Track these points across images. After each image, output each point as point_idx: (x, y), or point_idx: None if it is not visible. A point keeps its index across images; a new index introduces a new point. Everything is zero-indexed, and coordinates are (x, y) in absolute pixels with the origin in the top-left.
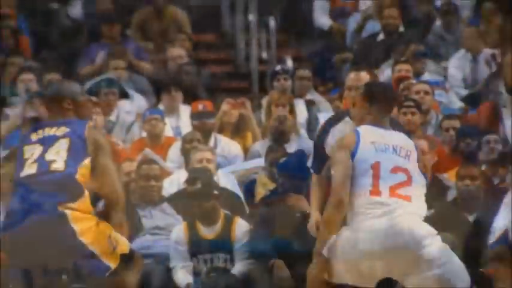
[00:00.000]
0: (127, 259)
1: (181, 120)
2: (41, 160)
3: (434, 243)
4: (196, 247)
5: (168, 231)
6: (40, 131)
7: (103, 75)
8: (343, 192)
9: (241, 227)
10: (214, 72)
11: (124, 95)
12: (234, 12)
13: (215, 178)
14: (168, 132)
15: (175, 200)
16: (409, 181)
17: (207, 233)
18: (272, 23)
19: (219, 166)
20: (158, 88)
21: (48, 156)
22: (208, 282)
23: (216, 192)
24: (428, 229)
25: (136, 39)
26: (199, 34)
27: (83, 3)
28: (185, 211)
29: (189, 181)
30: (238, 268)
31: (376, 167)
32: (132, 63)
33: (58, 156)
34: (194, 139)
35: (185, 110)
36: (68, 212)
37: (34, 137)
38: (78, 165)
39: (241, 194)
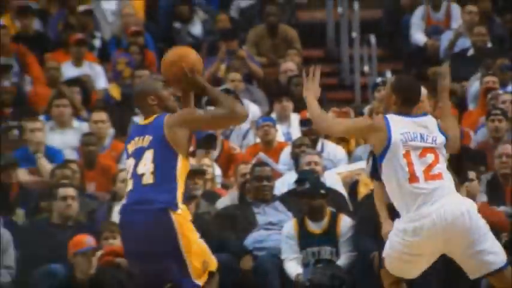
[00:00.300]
0: (210, 275)
1: (291, 126)
2: (134, 175)
3: (478, 215)
4: (305, 241)
5: (280, 227)
6: (133, 141)
7: (221, 86)
8: (334, 130)
9: (345, 222)
10: (321, 84)
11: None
12: (339, 29)
13: (322, 179)
14: (280, 137)
15: (286, 198)
16: (436, 159)
17: (315, 228)
18: (373, 39)
19: (325, 168)
20: (271, 98)
21: (139, 170)
22: (316, 272)
23: (323, 191)
24: (471, 202)
25: (251, 54)
26: (308, 49)
27: (202, 22)
28: (295, 208)
29: (299, 182)
30: (342, 260)
31: (407, 156)
32: (248, 66)
33: (146, 169)
34: (303, 144)
35: (295, 118)
36: (175, 221)
37: (130, 148)
38: (168, 178)
39: (345, 193)
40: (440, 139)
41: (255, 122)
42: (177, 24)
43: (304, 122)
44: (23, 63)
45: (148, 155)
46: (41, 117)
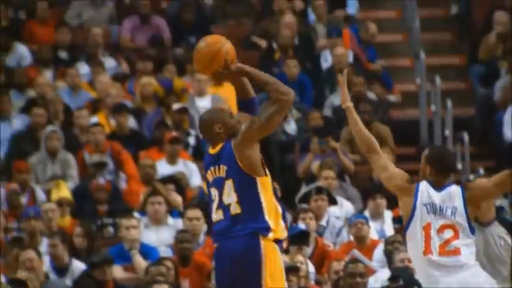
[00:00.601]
0: None
1: (385, 223)
2: (221, 205)
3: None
4: None
5: None
6: (210, 171)
7: (314, 183)
8: (378, 173)
9: None
10: (414, 180)
11: (333, 202)
12: (432, 127)
13: (415, 276)
14: (373, 234)
15: None
16: (456, 235)
17: None
18: (466, 137)
19: None
20: (364, 195)
21: (225, 200)
22: None
23: None
24: (490, 277)
25: (345, 151)
26: (401, 147)
27: (296, 120)
28: None
29: (392, 279)
30: None
31: (427, 228)
32: (340, 159)
33: (231, 200)
34: (396, 241)
35: (388, 215)
36: (263, 247)
37: (209, 177)
38: (254, 204)
39: None
40: (461, 212)
41: (348, 219)
42: None
43: (397, 220)
44: (118, 160)
45: (229, 185)
46: (136, 215)
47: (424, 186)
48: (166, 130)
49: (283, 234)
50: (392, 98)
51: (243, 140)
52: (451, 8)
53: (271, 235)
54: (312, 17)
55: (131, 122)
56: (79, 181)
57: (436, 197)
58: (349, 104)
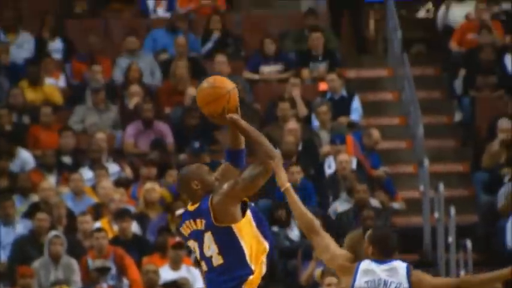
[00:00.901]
0: None
1: None
2: (203, 257)
3: None
4: None
5: None
6: (185, 225)
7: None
8: (319, 254)
9: None
10: None
11: None
12: (435, 234)
13: None
14: None
15: None
16: None
17: None
18: (469, 244)
19: None
20: None
21: (206, 252)
22: None
23: None
24: None
25: None
26: (404, 254)
27: (298, 226)
28: None
29: None
30: None
31: None
32: None
33: (211, 252)
34: None
35: None
36: None
37: (185, 231)
38: (235, 252)
39: None
40: (405, 286)
41: None
42: (275, 228)
43: None
44: (121, 266)
45: (209, 237)
46: None
47: (365, 264)
48: (169, 236)
49: (263, 271)
50: (395, 205)
51: (225, 198)
52: (455, 115)
53: (251, 277)
54: (315, 123)
55: (134, 228)
56: (82, 286)
57: (381, 271)
58: (288, 185)
